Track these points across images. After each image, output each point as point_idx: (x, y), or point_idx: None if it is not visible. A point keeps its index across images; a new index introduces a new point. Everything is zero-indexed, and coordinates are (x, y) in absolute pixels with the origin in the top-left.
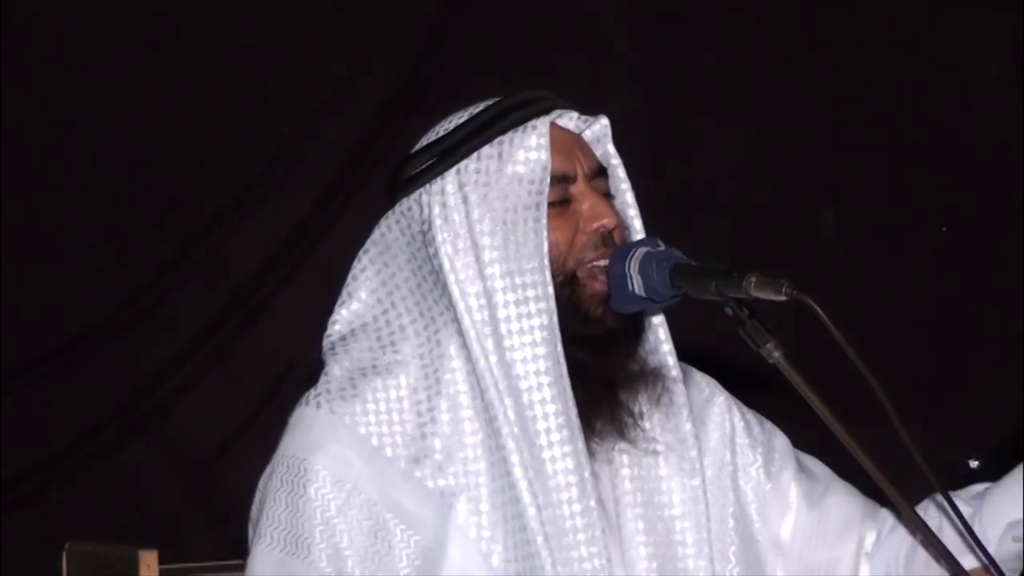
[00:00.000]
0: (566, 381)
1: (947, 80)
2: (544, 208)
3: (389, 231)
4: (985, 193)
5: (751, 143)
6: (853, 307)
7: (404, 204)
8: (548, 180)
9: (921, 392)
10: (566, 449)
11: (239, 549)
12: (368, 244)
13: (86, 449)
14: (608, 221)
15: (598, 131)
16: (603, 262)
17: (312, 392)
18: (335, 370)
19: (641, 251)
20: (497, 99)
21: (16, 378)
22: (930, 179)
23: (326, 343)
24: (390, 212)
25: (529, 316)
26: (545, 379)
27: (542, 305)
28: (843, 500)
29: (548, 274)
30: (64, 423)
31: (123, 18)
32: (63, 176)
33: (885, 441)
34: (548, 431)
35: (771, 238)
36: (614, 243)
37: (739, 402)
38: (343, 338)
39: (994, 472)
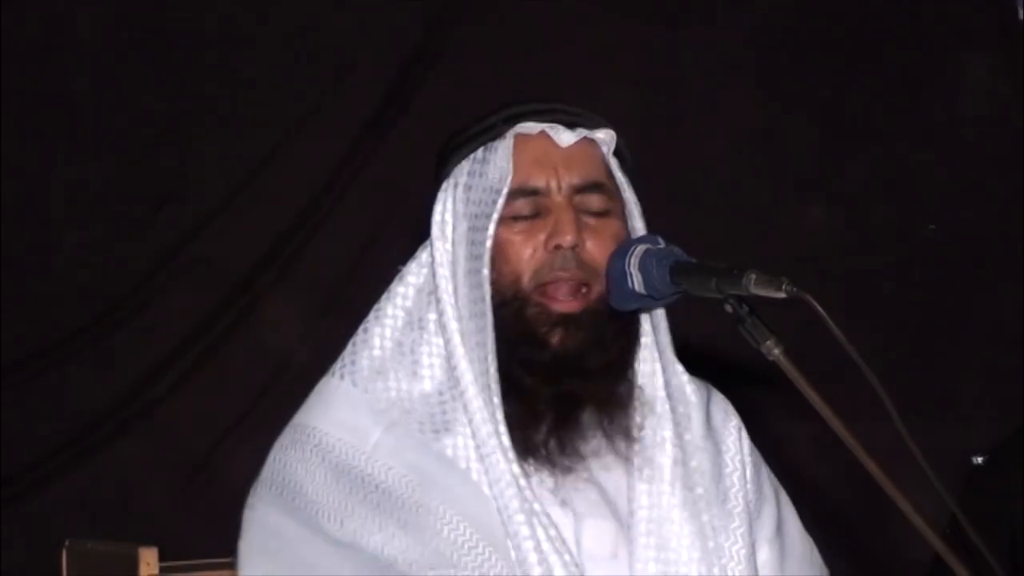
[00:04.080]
0: (496, 391)
1: (935, 75)
2: (493, 219)
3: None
4: (974, 188)
5: (740, 140)
6: (841, 304)
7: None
8: (504, 192)
9: (914, 390)
10: (506, 456)
11: (233, 546)
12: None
13: (79, 447)
14: (565, 239)
15: (606, 143)
16: (568, 283)
17: (338, 364)
18: (367, 350)
19: (641, 248)
20: (504, 102)
21: (8, 376)
22: (918, 174)
23: (371, 314)
24: None
25: (481, 329)
26: (494, 387)
27: (485, 316)
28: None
29: (487, 286)
30: (56, 421)
31: (114, 18)
32: (55, 175)
33: (880, 438)
34: (491, 435)
35: (760, 235)
36: (581, 264)
37: (744, 430)
38: (383, 314)
39: (998, 468)
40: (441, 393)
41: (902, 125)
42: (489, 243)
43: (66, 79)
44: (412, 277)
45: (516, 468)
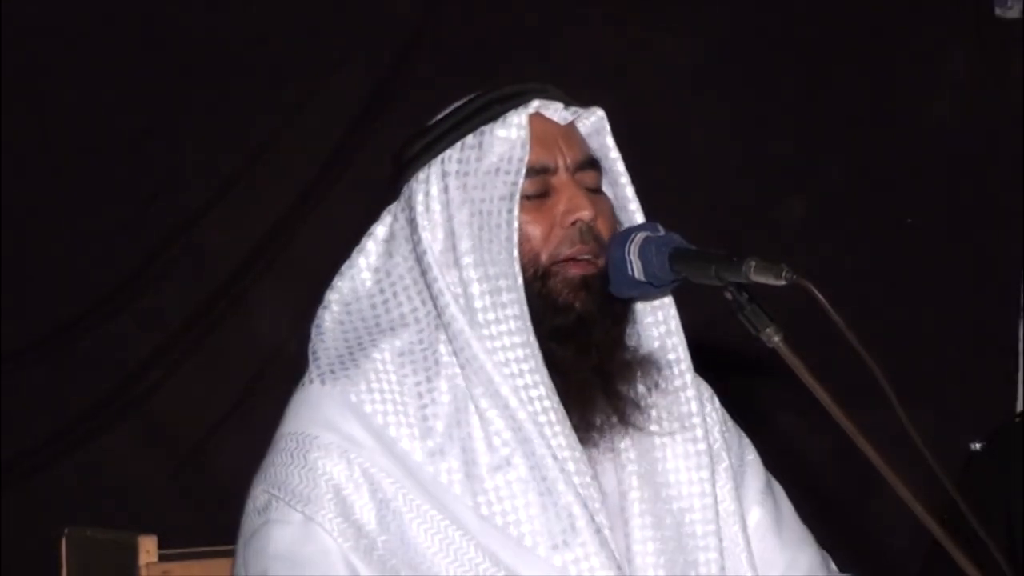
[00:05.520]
0: (544, 369)
1: (911, 73)
2: (516, 199)
3: (395, 219)
4: (951, 182)
5: (719, 135)
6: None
7: (405, 191)
8: (523, 172)
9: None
10: (556, 429)
11: (226, 534)
12: (377, 226)
13: (74, 435)
14: (584, 214)
15: (595, 123)
16: (585, 256)
17: (315, 370)
18: (335, 349)
19: (641, 235)
20: (485, 89)
21: (2, 366)
22: (895, 170)
23: (326, 316)
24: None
25: (503, 306)
26: (525, 366)
27: (513, 296)
28: (807, 553)
29: (517, 266)
30: (52, 410)
31: (107, 11)
32: (48, 167)
33: (882, 426)
34: (536, 413)
35: (741, 229)
36: (596, 238)
37: (717, 399)
38: (342, 314)
39: (996, 454)
40: (419, 384)
41: (880, 120)
42: (516, 224)
43: (60, 75)
44: (368, 278)
45: (574, 441)
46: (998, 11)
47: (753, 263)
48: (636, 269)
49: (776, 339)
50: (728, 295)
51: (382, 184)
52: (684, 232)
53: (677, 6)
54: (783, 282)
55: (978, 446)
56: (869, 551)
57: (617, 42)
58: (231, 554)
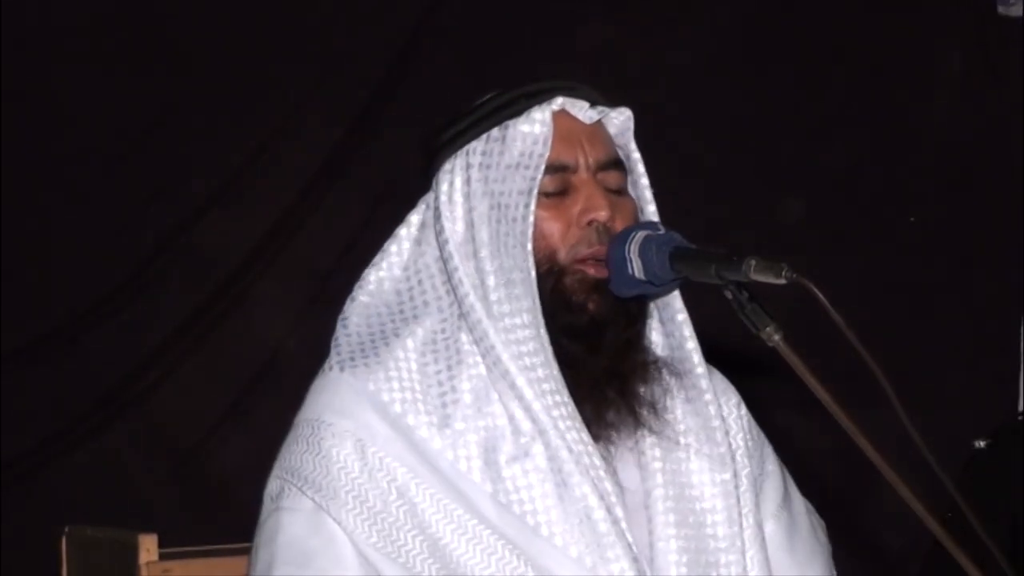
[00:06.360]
0: (554, 364)
1: (910, 73)
2: (534, 195)
3: (428, 208)
4: (951, 180)
5: (719, 134)
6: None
7: (434, 181)
8: (542, 168)
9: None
10: (568, 423)
11: (226, 533)
12: (412, 214)
13: (73, 437)
14: (600, 214)
15: (623, 123)
16: (602, 257)
17: (335, 357)
18: (355, 336)
19: (641, 234)
20: (514, 84)
21: (2, 366)
22: (894, 170)
23: (351, 305)
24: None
25: (517, 299)
26: (537, 359)
27: (525, 289)
28: (815, 572)
29: (531, 260)
30: (53, 409)
31: (107, 12)
32: (48, 167)
33: (882, 425)
34: (550, 407)
35: (739, 227)
36: None
37: (744, 406)
38: (367, 301)
39: (998, 452)
40: (439, 372)
41: (880, 119)
42: (531, 219)
43: (60, 74)
44: (396, 266)
45: (586, 436)
46: (1000, 9)
47: (753, 262)
48: (636, 268)
49: (776, 338)
50: (728, 294)
51: (382, 185)
52: (684, 231)
53: (676, 7)
54: (783, 281)
55: (982, 443)
56: (869, 551)
57: (617, 43)
58: (231, 553)
